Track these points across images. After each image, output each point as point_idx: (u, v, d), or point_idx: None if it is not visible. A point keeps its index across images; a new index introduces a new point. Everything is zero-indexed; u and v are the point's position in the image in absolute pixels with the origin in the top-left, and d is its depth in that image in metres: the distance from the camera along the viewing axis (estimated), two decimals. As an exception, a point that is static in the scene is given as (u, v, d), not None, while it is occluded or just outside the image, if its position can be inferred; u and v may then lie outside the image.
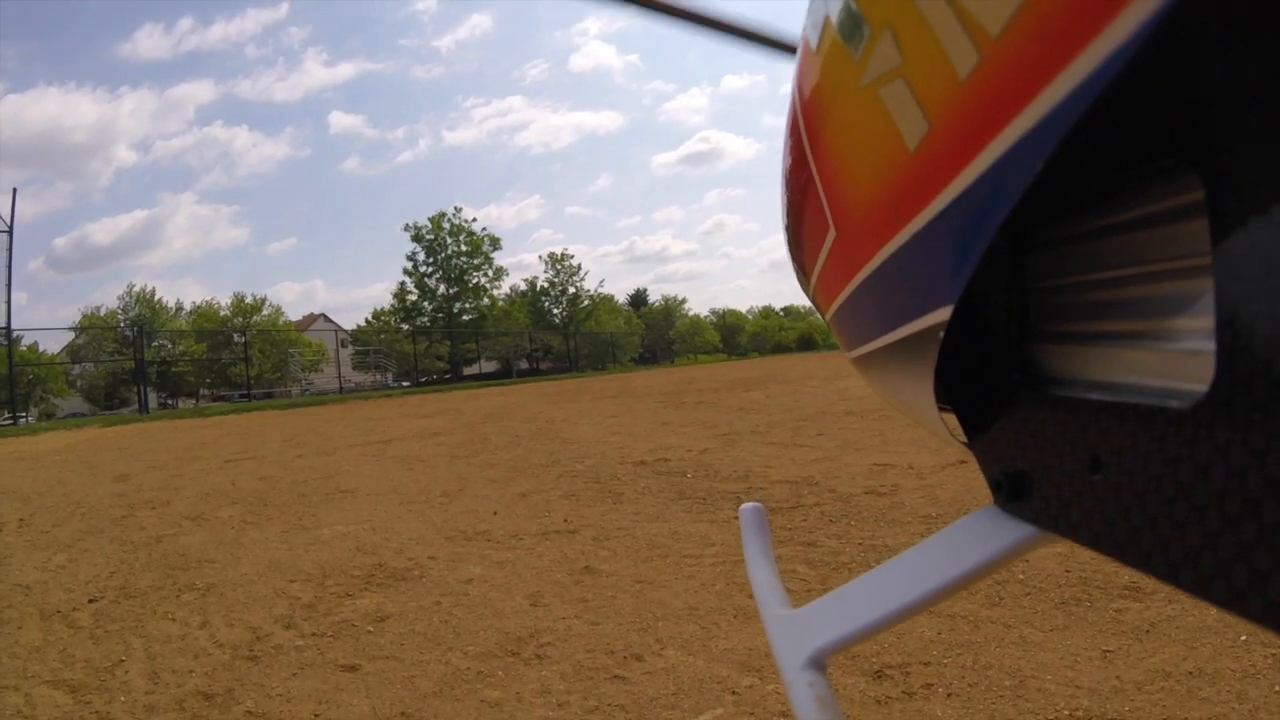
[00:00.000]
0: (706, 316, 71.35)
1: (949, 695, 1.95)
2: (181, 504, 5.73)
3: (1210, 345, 0.32)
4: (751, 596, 2.72)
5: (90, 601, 3.35)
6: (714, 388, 15.60)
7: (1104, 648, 2.09)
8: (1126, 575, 2.53)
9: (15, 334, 27.94)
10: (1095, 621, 2.25)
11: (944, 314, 0.51)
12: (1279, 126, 0.27)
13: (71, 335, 38.94)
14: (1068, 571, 2.65)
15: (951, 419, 0.63)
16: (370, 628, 2.75)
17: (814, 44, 0.66)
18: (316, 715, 2.12)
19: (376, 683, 2.30)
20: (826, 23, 0.60)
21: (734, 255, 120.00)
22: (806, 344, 62.33)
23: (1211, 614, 2.19)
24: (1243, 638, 2.05)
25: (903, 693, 1.97)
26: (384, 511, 4.85)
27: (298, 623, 2.87)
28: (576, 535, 3.85)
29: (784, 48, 1.26)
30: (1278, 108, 0.27)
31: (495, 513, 4.56)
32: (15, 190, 27.14)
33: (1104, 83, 0.30)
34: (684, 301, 71.54)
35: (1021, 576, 2.65)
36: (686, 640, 2.40)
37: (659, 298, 72.41)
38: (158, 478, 7.49)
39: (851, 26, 0.53)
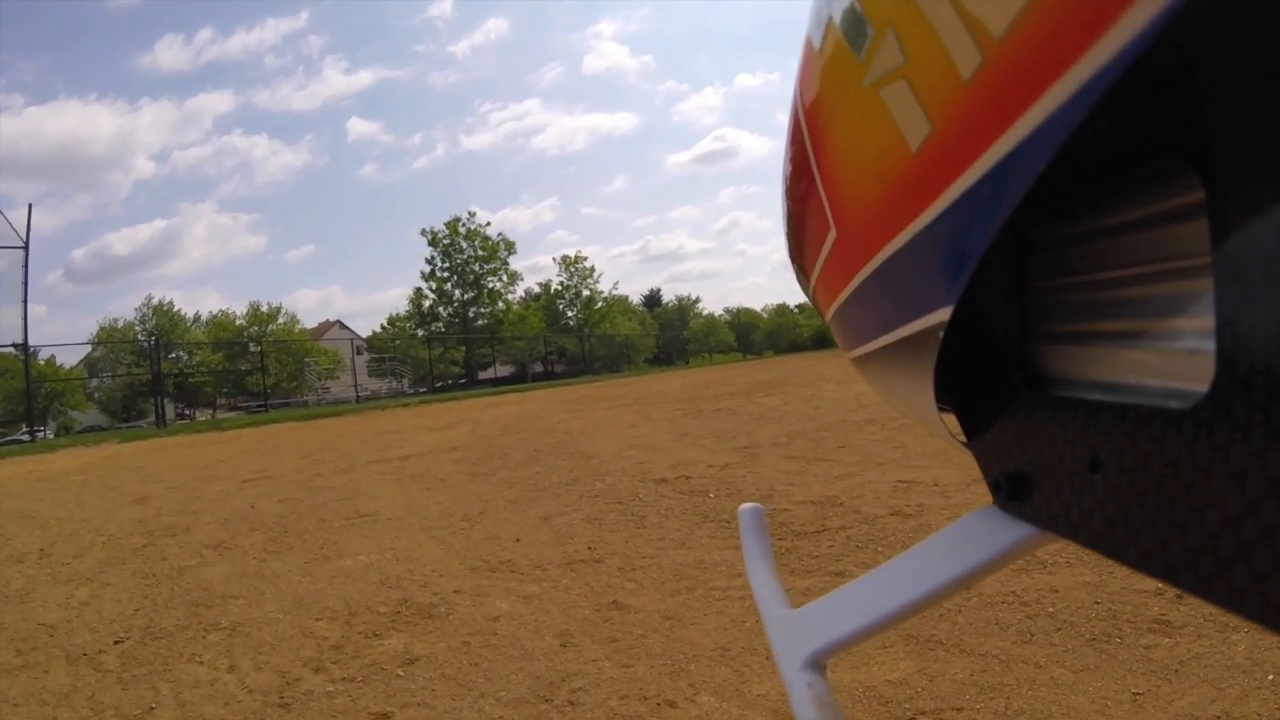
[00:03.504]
0: (721, 315, 71.17)
1: (984, 745, 1.93)
2: (202, 531, 5.74)
3: (1210, 345, 0.32)
4: None
5: (116, 643, 3.34)
6: (731, 392, 15.55)
7: (1134, 689, 2.04)
8: (1156, 607, 2.49)
9: (32, 348, 28.26)
10: (1125, 660, 2.21)
11: (944, 314, 0.51)
12: (1278, 127, 0.28)
13: (89, 348, 39.26)
14: (1097, 603, 2.60)
15: (951, 419, 0.63)
16: (400, 671, 2.74)
17: (816, 44, 0.66)
18: (350, 772, 2.12)
19: (410, 732, 2.30)
20: (829, 23, 0.59)
21: (749, 252, 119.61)
22: (821, 341, 61.91)
23: (1239, 651, 2.15)
24: (1270, 677, 2.00)
25: (940, 744, 1.95)
26: (405, 538, 4.84)
27: (327, 666, 2.85)
28: (601, 565, 3.82)
29: None
30: (1278, 108, 0.27)
31: (518, 540, 4.54)
32: (30, 206, 27.53)
33: (1107, 84, 0.30)
34: (698, 301, 71.46)
35: (1052, 610, 2.60)
36: (720, 685, 2.37)
37: (673, 298, 72.40)
38: (176, 500, 7.52)
39: (854, 27, 0.53)
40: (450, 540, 4.70)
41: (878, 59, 0.49)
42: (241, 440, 15.97)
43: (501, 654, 2.79)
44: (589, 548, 4.18)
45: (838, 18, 0.57)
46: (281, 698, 2.61)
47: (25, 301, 25.86)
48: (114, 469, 11.60)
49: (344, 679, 2.72)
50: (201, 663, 3.01)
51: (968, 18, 0.37)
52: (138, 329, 41.02)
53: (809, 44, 0.69)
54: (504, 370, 50.09)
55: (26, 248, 26.29)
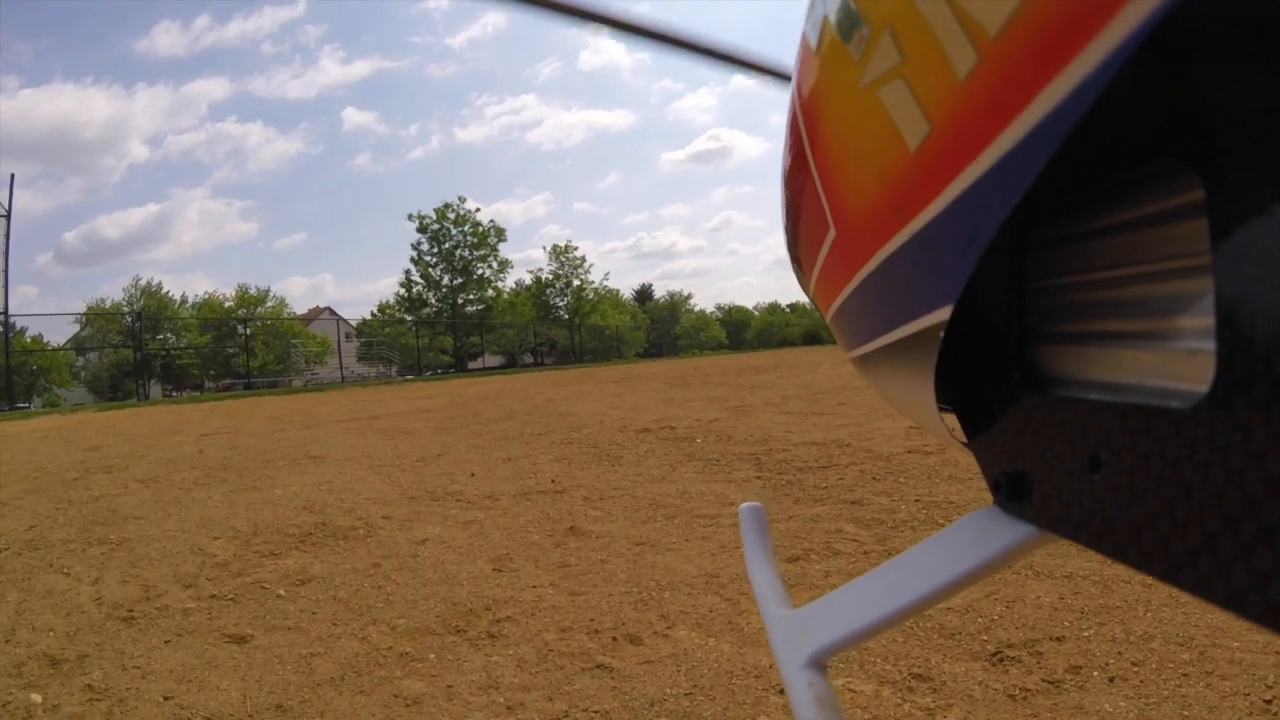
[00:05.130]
0: (712, 312, 70.61)
1: (1111, 680, 1.35)
2: (140, 469, 5.26)
3: (1210, 345, 0.31)
4: (796, 559, 2.10)
5: (-10, 554, 2.87)
6: (721, 372, 14.97)
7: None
8: None
9: (18, 325, 27.68)
10: (1264, 571, 1.62)
11: (944, 314, 0.49)
12: (1278, 127, 0.27)
13: (76, 327, 38.64)
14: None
15: (951, 419, 0.60)
16: (283, 591, 2.15)
17: (813, 44, 0.64)
18: (167, 698, 1.54)
19: (262, 660, 1.70)
20: (825, 22, 0.58)
21: (741, 252, 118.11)
22: (812, 339, 61.53)
23: None
24: None
25: (1043, 681, 1.36)
26: (348, 475, 4.24)
27: (201, 582, 2.30)
28: (564, 496, 3.22)
29: (776, 74, 1.27)
30: (1277, 108, 0.27)
31: (473, 474, 3.93)
32: (13, 176, 26.92)
33: (1104, 83, 0.29)
34: (689, 297, 70.67)
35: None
36: (704, 616, 1.77)
37: (664, 293, 71.74)
38: (129, 448, 7.02)
39: (851, 26, 0.52)
40: (397, 476, 4.09)
41: (875, 58, 0.48)
42: (218, 408, 15.33)
43: (416, 577, 2.19)
44: (552, 481, 3.58)
45: (833, 17, 0.55)
46: (130, 612, 2.08)
47: (6, 272, 25.21)
48: (82, 428, 10.97)
49: (213, 596, 2.16)
50: (68, 574, 2.52)
51: (964, 17, 0.36)
52: (124, 309, 40.26)
53: (805, 43, 0.68)
54: (493, 360, 49.48)
55: (9, 217, 25.68)
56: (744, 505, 0.97)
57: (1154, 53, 0.27)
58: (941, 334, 0.50)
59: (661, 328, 63.35)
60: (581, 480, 3.56)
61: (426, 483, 3.78)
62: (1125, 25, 0.27)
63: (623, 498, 3.07)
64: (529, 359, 49.59)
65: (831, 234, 0.70)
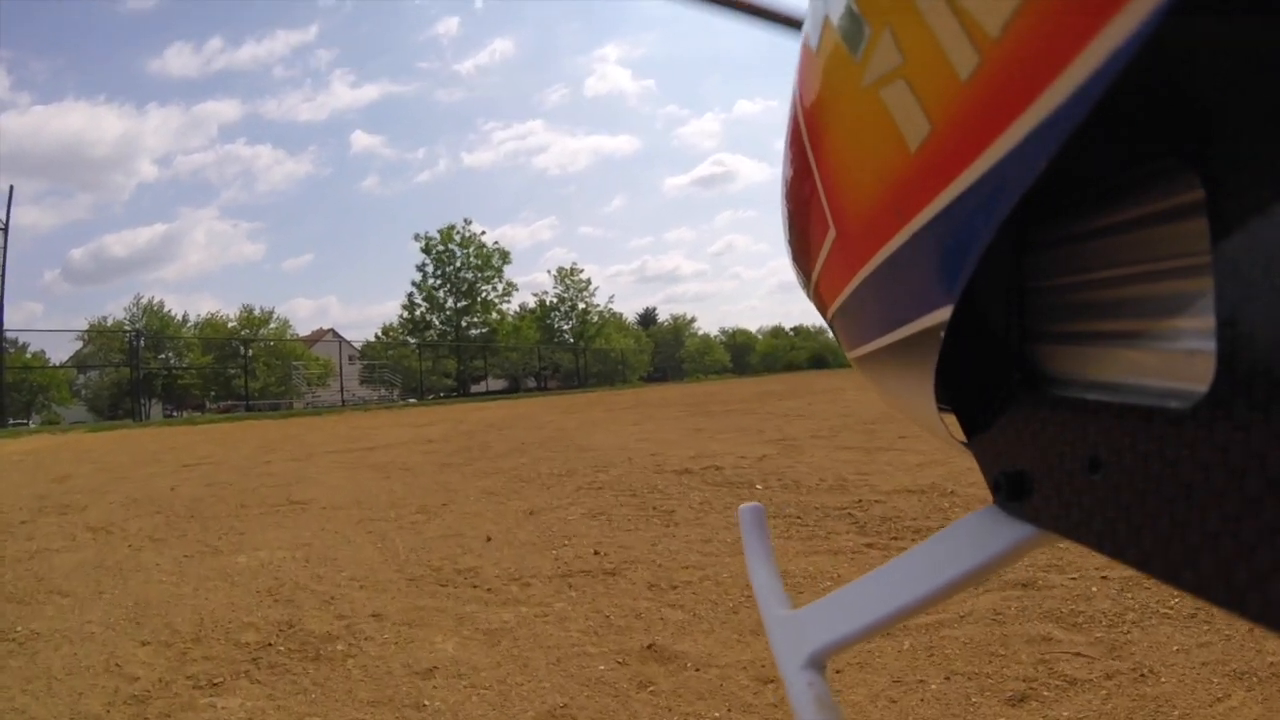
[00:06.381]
0: (716, 336, 69.99)
1: None
2: (97, 511, 4.57)
3: (1210, 345, 0.31)
4: (1023, 700, 1.32)
5: None
6: (739, 399, 14.17)
7: None
8: None
9: (20, 341, 27.18)
10: None
11: (944, 314, 0.49)
12: (1278, 127, 0.27)
13: (78, 345, 38.25)
14: None
15: (951, 419, 0.59)
16: None
17: (814, 45, 0.65)
18: None
19: None
20: (826, 23, 0.59)
21: (744, 276, 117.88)
22: (818, 363, 60.95)
23: None
24: None
25: None
26: (333, 533, 3.45)
27: None
28: (618, 578, 2.42)
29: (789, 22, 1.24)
30: (1276, 108, 0.27)
31: (489, 540, 3.13)
32: (11, 188, 26.39)
33: (1105, 83, 0.29)
34: (693, 321, 69.93)
35: None
36: None
37: (668, 317, 71.10)
38: (99, 480, 6.30)
39: (852, 27, 0.52)
40: (392, 537, 3.29)
41: (875, 59, 0.48)
42: (210, 433, 14.45)
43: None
44: (595, 552, 2.78)
45: (835, 18, 0.56)
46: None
47: (2, 286, 24.66)
48: (63, 451, 10.16)
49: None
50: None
51: (965, 18, 0.36)
52: (126, 327, 39.89)
53: (806, 44, 0.68)
54: (496, 384, 48.90)
55: (6, 230, 25.16)
56: (743, 506, 0.93)
57: (1154, 53, 0.27)
58: (942, 334, 0.49)
59: (665, 351, 62.91)
60: (633, 549, 2.77)
61: (430, 550, 2.98)
62: (1127, 25, 0.27)
63: (703, 583, 2.27)
64: (532, 383, 49.03)
65: (832, 234, 0.69)
